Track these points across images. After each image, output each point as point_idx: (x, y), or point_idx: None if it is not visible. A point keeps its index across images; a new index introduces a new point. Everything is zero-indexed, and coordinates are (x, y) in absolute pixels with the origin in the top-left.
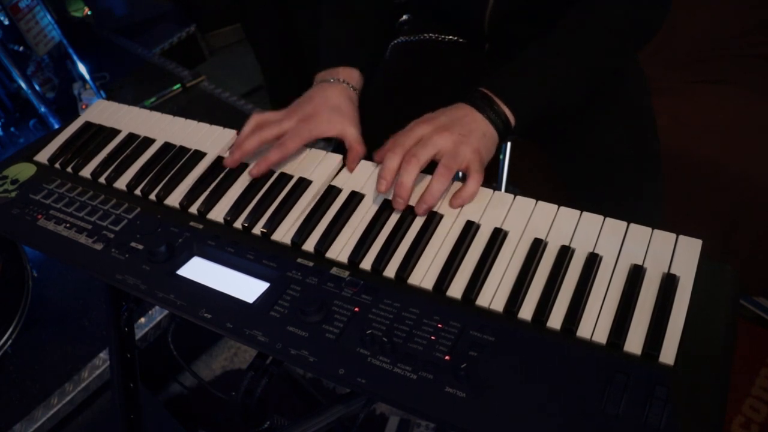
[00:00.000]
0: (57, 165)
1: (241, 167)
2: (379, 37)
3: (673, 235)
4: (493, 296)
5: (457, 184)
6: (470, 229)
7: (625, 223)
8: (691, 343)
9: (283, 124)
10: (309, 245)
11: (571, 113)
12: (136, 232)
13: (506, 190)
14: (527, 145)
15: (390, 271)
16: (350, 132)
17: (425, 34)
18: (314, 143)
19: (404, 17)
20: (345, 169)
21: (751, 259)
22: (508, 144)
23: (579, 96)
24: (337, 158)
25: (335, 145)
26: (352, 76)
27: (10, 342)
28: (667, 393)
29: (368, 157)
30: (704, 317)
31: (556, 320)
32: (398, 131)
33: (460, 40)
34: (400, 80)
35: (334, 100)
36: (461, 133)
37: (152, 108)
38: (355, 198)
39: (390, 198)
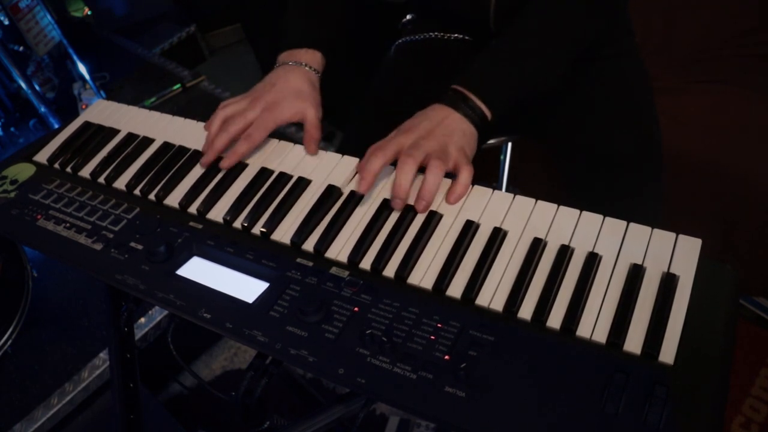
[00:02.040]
0: (56, 165)
1: (241, 167)
2: (346, 21)
3: (672, 235)
4: (493, 296)
5: (448, 182)
6: (470, 228)
7: (624, 223)
8: (690, 343)
9: (247, 116)
10: (308, 245)
11: (551, 95)
12: (136, 232)
13: (506, 190)
14: (527, 145)
15: (389, 271)
16: (310, 114)
17: (430, 33)
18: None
19: (408, 17)
20: (343, 169)
21: (751, 259)
22: (509, 144)
23: (552, 79)
24: (336, 157)
25: (337, 145)
26: (313, 58)
27: (10, 342)
28: (666, 392)
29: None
30: (704, 317)
31: (555, 320)
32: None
33: (466, 37)
34: (405, 80)
35: (295, 84)
36: (444, 134)
37: (152, 108)
38: (354, 198)
39: (388, 197)
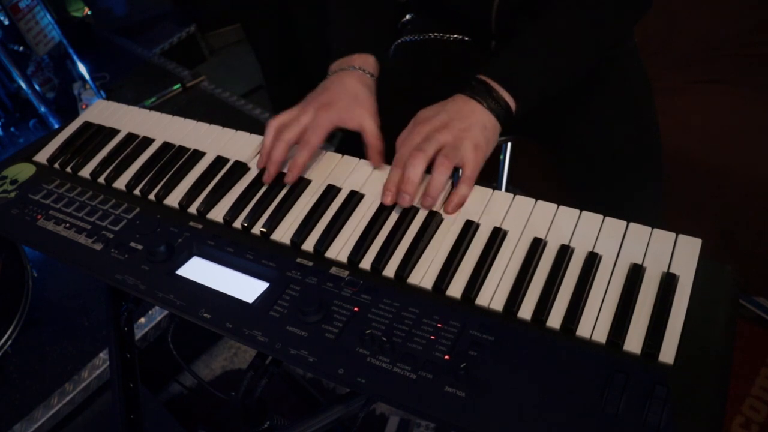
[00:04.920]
0: (56, 165)
1: (239, 167)
2: (388, 28)
3: (672, 235)
4: (493, 295)
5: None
6: (470, 228)
7: (624, 223)
8: (690, 343)
9: (301, 120)
10: (308, 245)
11: (570, 95)
12: (136, 232)
13: (506, 190)
14: (527, 145)
15: (389, 271)
16: (368, 125)
17: (430, 34)
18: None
19: (407, 17)
20: (343, 169)
21: (751, 259)
22: (509, 144)
23: (577, 75)
24: (336, 157)
25: (337, 144)
26: (367, 62)
27: (10, 342)
28: (666, 392)
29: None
30: (704, 317)
31: (555, 319)
32: (400, 132)
33: (466, 38)
34: (405, 80)
35: (351, 88)
36: (461, 128)
37: (152, 108)
38: (354, 197)
39: None
